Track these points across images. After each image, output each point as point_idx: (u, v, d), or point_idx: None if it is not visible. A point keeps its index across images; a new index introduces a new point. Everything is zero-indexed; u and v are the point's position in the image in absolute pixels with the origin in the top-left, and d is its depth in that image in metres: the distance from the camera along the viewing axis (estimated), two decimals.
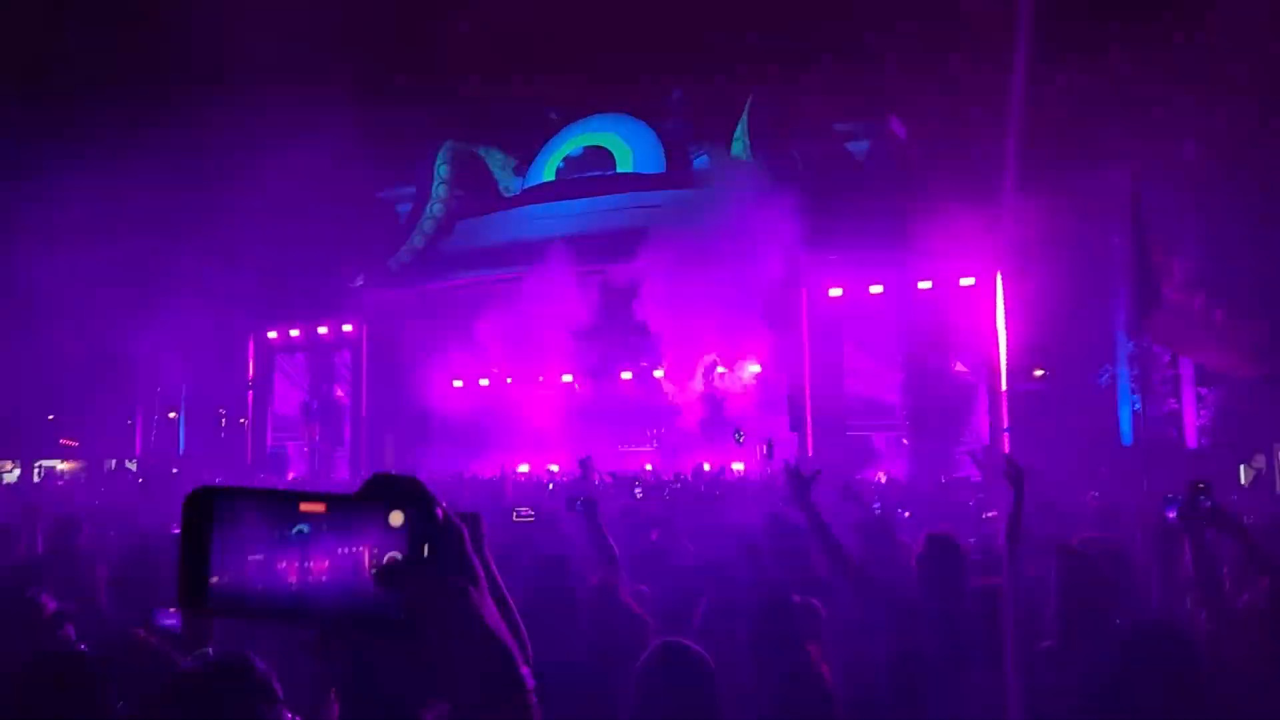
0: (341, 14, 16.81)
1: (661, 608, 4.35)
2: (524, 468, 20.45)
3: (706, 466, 18.29)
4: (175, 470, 20.33)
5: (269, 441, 24.07)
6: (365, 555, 0.82)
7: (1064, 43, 15.49)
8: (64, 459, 25.48)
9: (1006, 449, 17.35)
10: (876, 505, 8.23)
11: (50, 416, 24.82)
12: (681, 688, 2.63)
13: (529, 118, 24.19)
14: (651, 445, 21.06)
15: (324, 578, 0.81)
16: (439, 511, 0.84)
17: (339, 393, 23.95)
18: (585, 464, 9.97)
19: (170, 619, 2.91)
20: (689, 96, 22.57)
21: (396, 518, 0.82)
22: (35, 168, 18.10)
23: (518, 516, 6.06)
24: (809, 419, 19.23)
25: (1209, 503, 3.54)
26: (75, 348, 20.48)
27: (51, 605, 3.12)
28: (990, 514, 6.69)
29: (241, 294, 21.73)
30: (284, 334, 24.04)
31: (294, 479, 21.43)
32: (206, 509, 0.83)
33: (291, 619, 0.82)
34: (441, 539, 0.83)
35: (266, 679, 1.77)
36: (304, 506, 0.82)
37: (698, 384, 21.00)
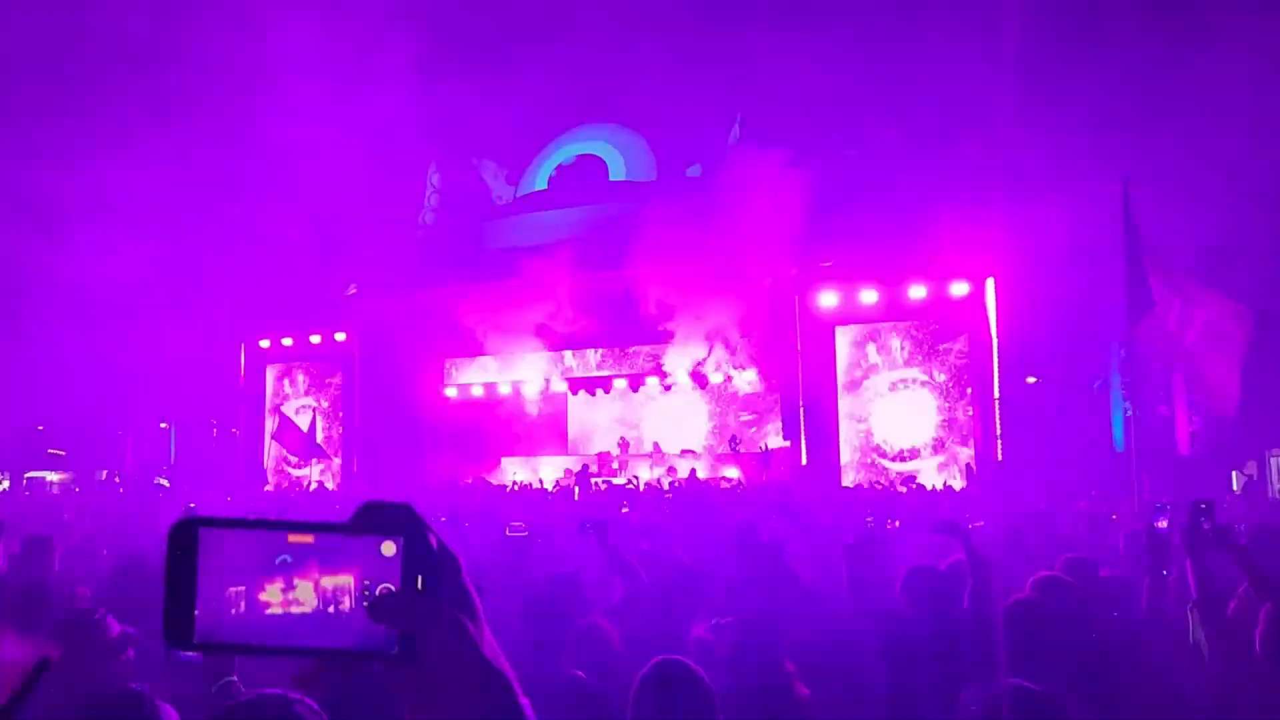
0: (334, 21, 16.82)
1: (654, 618, 4.34)
2: (519, 475, 20.39)
3: (701, 473, 18.26)
4: (167, 482, 20.20)
5: (260, 452, 23.94)
6: (357, 587, 0.78)
7: (1059, 46, 15.56)
8: (54, 470, 25.30)
9: (1000, 457, 17.41)
10: (868, 517, 8.24)
11: (40, 427, 24.66)
12: (678, 706, 2.58)
13: (521, 127, 24.17)
14: (647, 452, 20.98)
15: (314, 611, 0.78)
16: (433, 540, 0.80)
17: (331, 401, 23.84)
18: (582, 475, 9.99)
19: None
20: (681, 105, 22.59)
21: (389, 547, 0.79)
22: (21, 170, 17.99)
23: (510, 531, 5.96)
24: (803, 426, 19.24)
25: (1210, 524, 3.46)
26: (65, 358, 20.37)
27: (115, 628, 3.05)
28: (978, 524, 6.71)
29: (233, 303, 21.66)
30: (276, 343, 23.93)
31: (279, 485, 21.34)
32: (191, 540, 0.79)
33: (281, 655, 0.78)
34: (436, 569, 0.80)
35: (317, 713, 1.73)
36: (292, 537, 0.79)
37: (692, 390, 20.99)
